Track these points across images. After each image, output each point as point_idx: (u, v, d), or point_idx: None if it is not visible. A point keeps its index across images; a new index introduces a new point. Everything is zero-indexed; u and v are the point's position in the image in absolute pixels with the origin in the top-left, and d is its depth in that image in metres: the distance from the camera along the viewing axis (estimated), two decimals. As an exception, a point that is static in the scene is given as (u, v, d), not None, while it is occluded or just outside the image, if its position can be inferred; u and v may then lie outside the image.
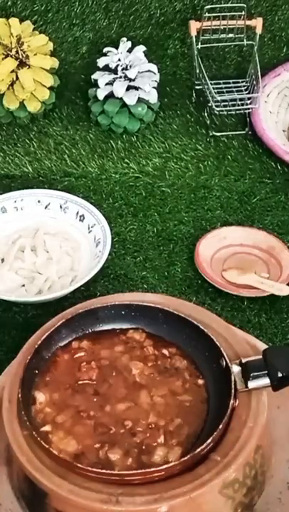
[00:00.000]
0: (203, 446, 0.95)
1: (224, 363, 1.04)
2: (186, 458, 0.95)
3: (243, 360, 1.03)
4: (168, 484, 0.94)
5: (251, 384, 1.02)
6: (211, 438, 0.96)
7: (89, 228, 1.48)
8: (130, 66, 1.72)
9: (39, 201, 1.52)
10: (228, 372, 1.02)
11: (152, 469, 0.95)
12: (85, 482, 0.94)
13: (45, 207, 1.52)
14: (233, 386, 1.01)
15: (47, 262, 1.42)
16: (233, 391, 1.00)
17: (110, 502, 0.92)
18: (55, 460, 0.96)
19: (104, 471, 0.95)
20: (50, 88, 1.74)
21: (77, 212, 1.50)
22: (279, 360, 1.02)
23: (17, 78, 1.70)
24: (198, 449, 0.95)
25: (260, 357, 1.03)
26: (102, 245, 1.43)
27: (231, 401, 0.99)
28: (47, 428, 1.01)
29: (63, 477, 0.95)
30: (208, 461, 0.96)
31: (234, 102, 1.72)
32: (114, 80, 1.71)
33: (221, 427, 0.97)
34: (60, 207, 1.51)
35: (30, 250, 1.43)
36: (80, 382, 1.07)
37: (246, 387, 1.02)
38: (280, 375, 1.01)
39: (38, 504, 0.99)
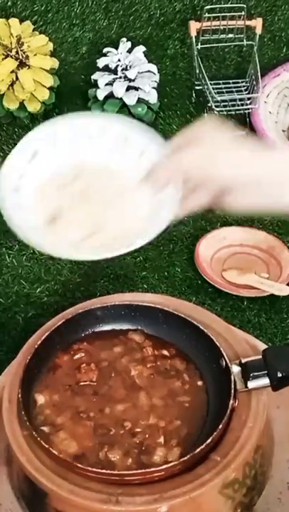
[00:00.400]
0: (202, 447, 0.95)
1: (224, 363, 1.03)
2: (185, 458, 0.95)
3: (243, 361, 1.03)
4: (168, 484, 0.93)
5: (251, 384, 1.02)
6: (210, 438, 0.96)
7: None
8: (130, 66, 1.73)
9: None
10: (228, 373, 1.02)
11: (152, 469, 0.95)
12: (85, 482, 0.94)
13: None
14: (232, 386, 1.01)
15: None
16: (232, 391, 1.00)
17: (110, 502, 0.92)
18: (55, 460, 0.96)
19: (104, 471, 0.94)
20: (50, 88, 1.74)
21: None
22: (279, 360, 1.02)
23: (17, 78, 1.70)
24: (198, 449, 0.95)
25: (260, 357, 1.03)
26: None
27: (231, 401, 0.99)
28: (47, 429, 1.01)
29: (63, 477, 0.95)
30: (208, 461, 0.96)
31: (234, 102, 1.72)
32: (114, 80, 1.71)
33: (220, 427, 0.97)
34: None
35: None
36: (79, 384, 1.07)
37: (246, 387, 1.02)
38: (279, 375, 1.00)
39: (38, 504, 0.99)
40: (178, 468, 0.95)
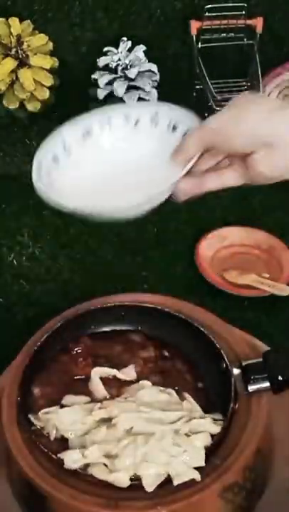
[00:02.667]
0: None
1: (224, 365, 1.03)
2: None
3: (244, 363, 1.03)
4: (167, 488, 0.93)
5: (251, 387, 1.01)
6: (210, 441, 0.96)
7: None
8: (130, 66, 1.72)
9: None
10: (229, 376, 1.02)
11: (152, 472, 0.94)
12: (85, 486, 0.93)
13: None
14: (233, 389, 1.00)
15: None
16: (233, 394, 1.00)
17: (109, 506, 0.92)
18: (54, 464, 0.96)
19: (104, 474, 0.94)
20: (50, 88, 1.74)
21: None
22: (279, 363, 1.02)
23: (17, 78, 1.70)
24: (198, 452, 0.95)
25: (261, 359, 1.03)
26: None
27: (231, 404, 0.99)
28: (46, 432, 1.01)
29: (63, 481, 0.94)
30: (208, 464, 0.95)
31: (234, 102, 1.72)
32: (114, 79, 1.71)
33: (220, 430, 0.97)
34: None
35: None
36: (79, 385, 1.06)
37: (246, 390, 1.01)
38: (280, 378, 1.00)
39: (38, 507, 0.99)
40: (178, 471, 0.95)
